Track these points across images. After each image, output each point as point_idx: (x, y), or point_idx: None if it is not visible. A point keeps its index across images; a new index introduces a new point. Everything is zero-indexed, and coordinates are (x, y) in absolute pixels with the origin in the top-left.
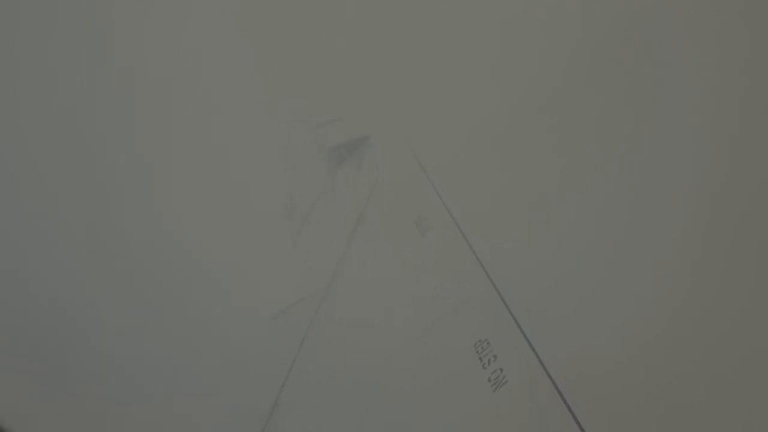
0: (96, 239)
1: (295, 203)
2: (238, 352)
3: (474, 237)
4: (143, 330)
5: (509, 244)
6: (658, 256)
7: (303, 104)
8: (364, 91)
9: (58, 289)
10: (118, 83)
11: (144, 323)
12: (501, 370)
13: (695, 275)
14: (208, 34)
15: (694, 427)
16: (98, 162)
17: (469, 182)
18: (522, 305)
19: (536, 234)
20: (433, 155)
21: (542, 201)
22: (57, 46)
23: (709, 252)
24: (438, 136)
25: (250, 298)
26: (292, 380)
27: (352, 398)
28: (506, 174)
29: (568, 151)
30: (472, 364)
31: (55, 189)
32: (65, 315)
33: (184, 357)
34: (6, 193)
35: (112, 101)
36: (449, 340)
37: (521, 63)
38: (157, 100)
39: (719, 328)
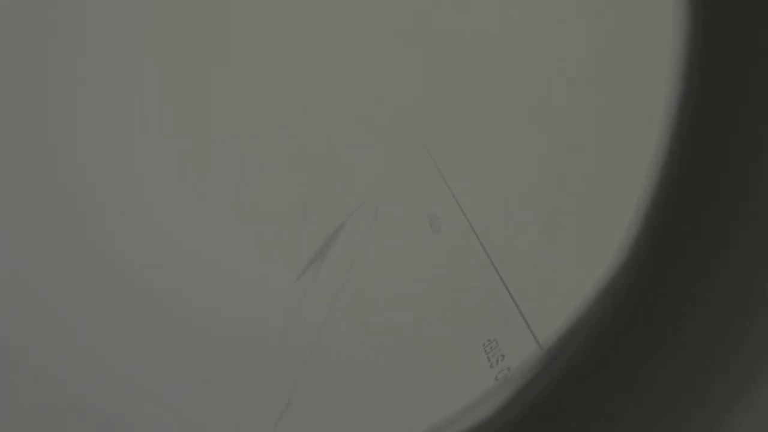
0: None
1: (310, 203)
2: (253, 354)
3: (487, 236)
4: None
5: (521, 243)
6: None
7: (322, 106)
8: (382, 94)
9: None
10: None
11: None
12: (508, 369)
13: None
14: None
15: None
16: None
17: (485, 183)
18: (532, 306)
19: (549, 237)
20: (449, 153)
21: (557, 205)
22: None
23: None
24: (453, 134)
25: (262, 301)
26: (305, 380)
27: (361, 395)
28: (522, 176)
29: (582, 154)
30: (480, 362)
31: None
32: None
33: (199, 360)
34: None
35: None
36: (458, 338)
37: (533, 70)
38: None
39: None
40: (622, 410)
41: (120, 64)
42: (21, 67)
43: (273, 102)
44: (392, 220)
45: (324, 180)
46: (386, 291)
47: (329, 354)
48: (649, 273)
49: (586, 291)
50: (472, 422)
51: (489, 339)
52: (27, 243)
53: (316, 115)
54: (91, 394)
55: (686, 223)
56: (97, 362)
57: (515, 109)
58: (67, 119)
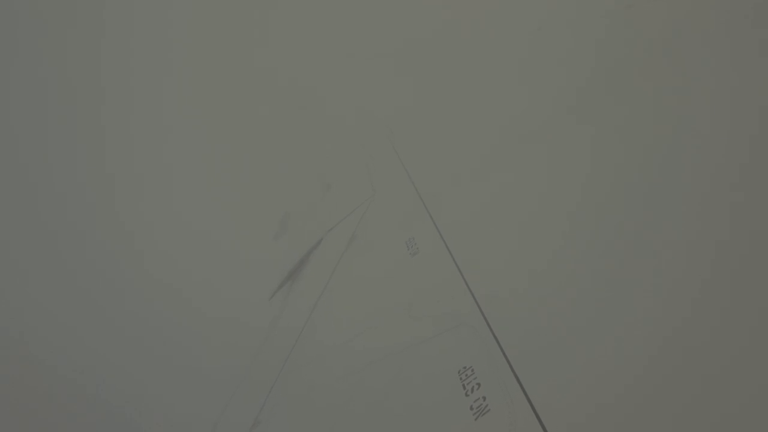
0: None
1: (289, 218)
2: (220, 371)
3: (464, 262)
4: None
5: (500, 270)
6: (654, 293)
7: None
8: (366, 110)
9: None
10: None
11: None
12: (484, 398)
13: (686, 322)
14: None
15: None
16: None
17: (462, 206)
18: (509, 334)
19: (527, 264)
20: (428, 177)
21: (533, 229)
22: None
23: (706, 295)
24: (432, 158)
25: (235, 315)
26: (273, 399)
27: (330, 417)
28: (501, 200)
29: (559, 175)
30: (454, 391)
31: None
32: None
33: (164, 375)
34: None
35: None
36: (433, 365)
37: (509, 87)
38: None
39: (707, 368)
40: None
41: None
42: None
43: (259, 116)
44: (370, 240)
45: (305, 197)
46: (358, 311)
47: (297, 373)
48: None
49: (564, 321)
50: None
51: (464, 366)
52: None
53: (300, 132)
54: (78, 377)
55: None
56: (85, 346)
57: (497, 133)
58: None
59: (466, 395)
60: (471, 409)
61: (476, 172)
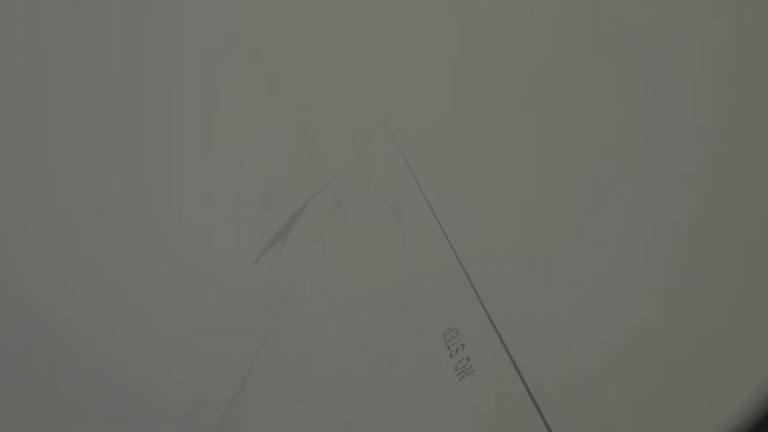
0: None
1: (272, 189)
2: (206, 337)
3: (449, 225)
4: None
5: (484, 233)
6: (636, 256)
7: (288, 89)
8: (350, 79)
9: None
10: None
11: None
12: (468, 359)
13: (671, 282)
14: None
15: (661, 424)
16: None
17: (447, 170)
18: (493, 295)
19: (511, 225)
20: (413, 141)
21: (519, 193)
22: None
23: (691, 258)
24: (418, 123)
25: (223, 280)
26: (259, 362)
27: (316, 383)
28: (484, 164)
29: (546, 145)
30: (439, 352)
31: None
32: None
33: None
34: None
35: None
36: (418, 327)
37: (501, 59)
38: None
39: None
40: None
41: None
42: None
43: (246, 90)
44: (354, 206)
45: (288, 163)
46: (344, 275)
47: (283, 338)
48: None
49: (547, 281)
50: None
51: (449, 328)
52: None
53: (286, 102)
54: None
55: None
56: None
57: (483, 100)
58: None
59: (451, 356)
60: (455, 369)
61: (462, 139)
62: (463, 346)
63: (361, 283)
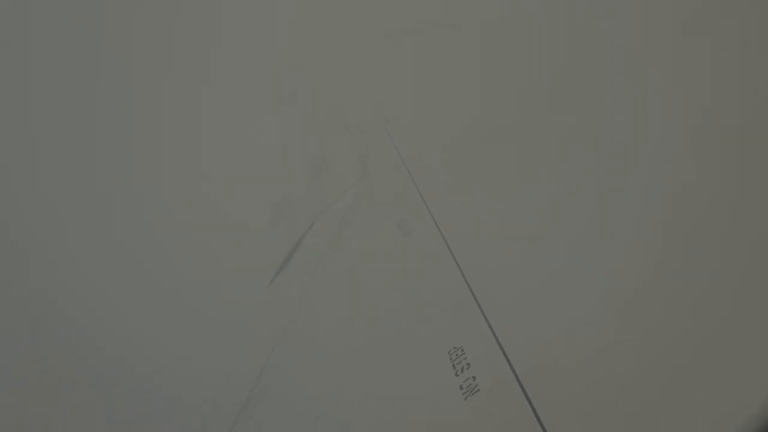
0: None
1: (281, 207)
2: (218, 345)
3: (455, 243)
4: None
5: (491, 252)
6: (635, 265)
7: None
8: (357, 98)
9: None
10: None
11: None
12: (473, 378)
13: (662, 287)
14: None
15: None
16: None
17: (454, 188)
18: (499, 314)
19: (516, 244)
20: (419, 159)
21: (526, 211)
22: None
23: (674, 252)
24: (425, 141)
25: (235, 290)
26: (267, 375)
27: (323, 397)
28: (491, 182)
29: (555, 163)
30: (445, 371)
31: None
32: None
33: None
34: None
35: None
36: (424, 345)
37: (507, 78)
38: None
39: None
40: None
41: None
42: None
43: (252, 104)
44: (362, 222)
45: (297, 182)
46: (351, 293)
47: (292, 352)
48: None
49: (553, 300)
50: None
51: (455, 346)
52: None
53: (294, 119)
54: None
55: None
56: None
57: (490, 115)
58: None
59: (456, 375)
60: (461, 388)
61: (468, 156)
62: (468, 365)
63: (368, 300)
